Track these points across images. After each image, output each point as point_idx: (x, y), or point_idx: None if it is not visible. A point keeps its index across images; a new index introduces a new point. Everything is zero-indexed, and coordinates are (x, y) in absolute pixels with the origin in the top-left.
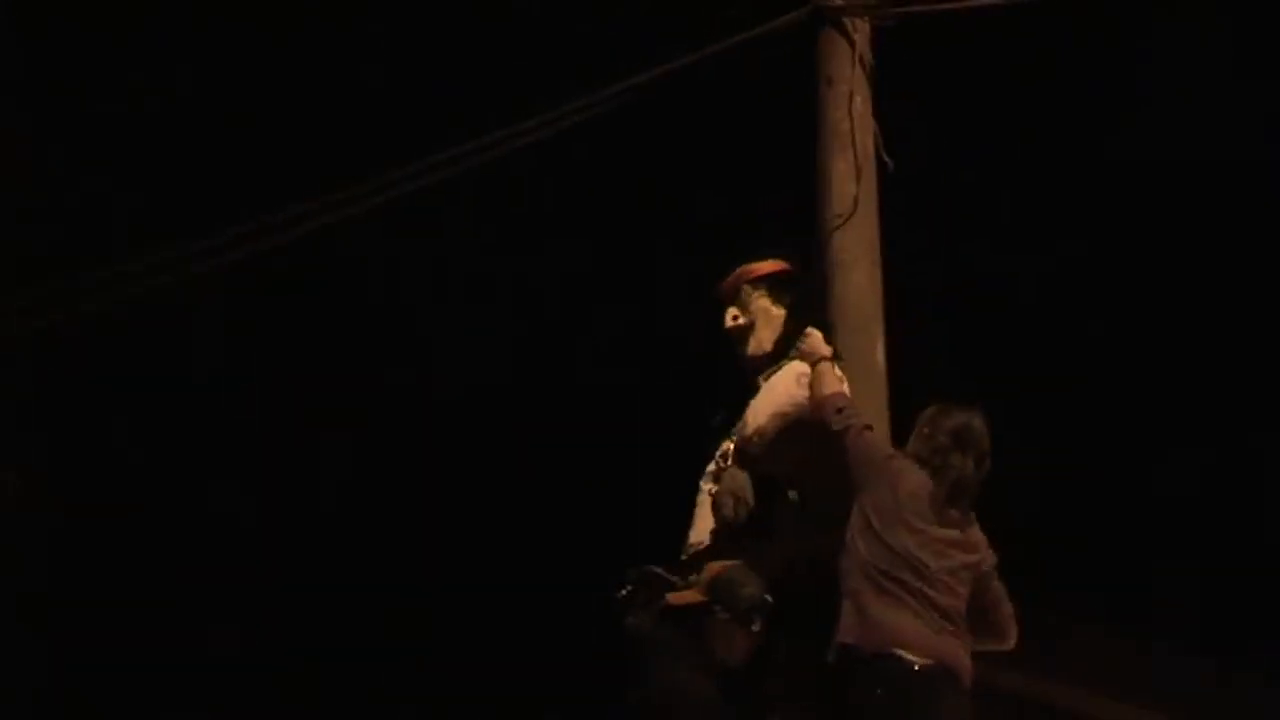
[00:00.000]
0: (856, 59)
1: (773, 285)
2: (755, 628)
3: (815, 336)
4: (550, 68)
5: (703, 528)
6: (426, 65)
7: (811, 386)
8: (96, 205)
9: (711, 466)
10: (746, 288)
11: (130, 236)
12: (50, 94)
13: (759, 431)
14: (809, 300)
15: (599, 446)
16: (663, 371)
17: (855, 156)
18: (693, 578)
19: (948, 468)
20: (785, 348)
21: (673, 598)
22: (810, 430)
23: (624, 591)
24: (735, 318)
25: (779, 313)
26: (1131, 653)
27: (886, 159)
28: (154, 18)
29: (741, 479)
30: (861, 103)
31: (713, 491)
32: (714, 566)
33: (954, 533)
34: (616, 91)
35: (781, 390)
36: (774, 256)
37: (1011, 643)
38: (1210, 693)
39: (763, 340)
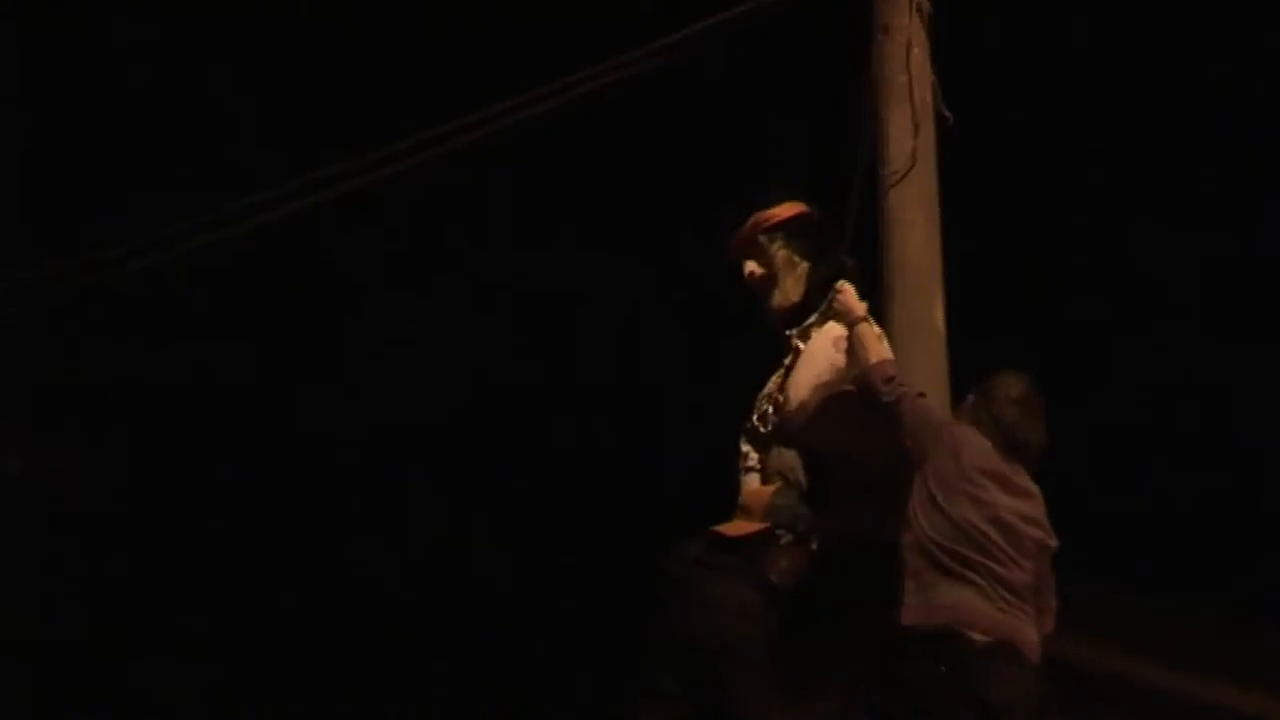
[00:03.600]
0: (914, 7)
1: (791, 232)
2: (813, 546)
3: (848, 293)
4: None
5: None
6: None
7: (851, 352)
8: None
9: (749, 423)
10: (763, 237)
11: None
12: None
13: (802, 406)
14: (832, 243)
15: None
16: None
17: (913, 110)
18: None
19: (1011, 428)
20: (815, 298)
21: (729, 528)
22: (855, 399)
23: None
24: (755, 270)
25: (802, 260)
26: (1239, 635)
27: (946, 112)
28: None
29: (789, 458)
30: (919, 53)
31: (751, 458)
32: (761, 493)
33: (1021, 504)
34: (662, 45)
35: (822, 359)
36: (787, 198)
37: (1047, 629)
38: None
39: (788, 291)
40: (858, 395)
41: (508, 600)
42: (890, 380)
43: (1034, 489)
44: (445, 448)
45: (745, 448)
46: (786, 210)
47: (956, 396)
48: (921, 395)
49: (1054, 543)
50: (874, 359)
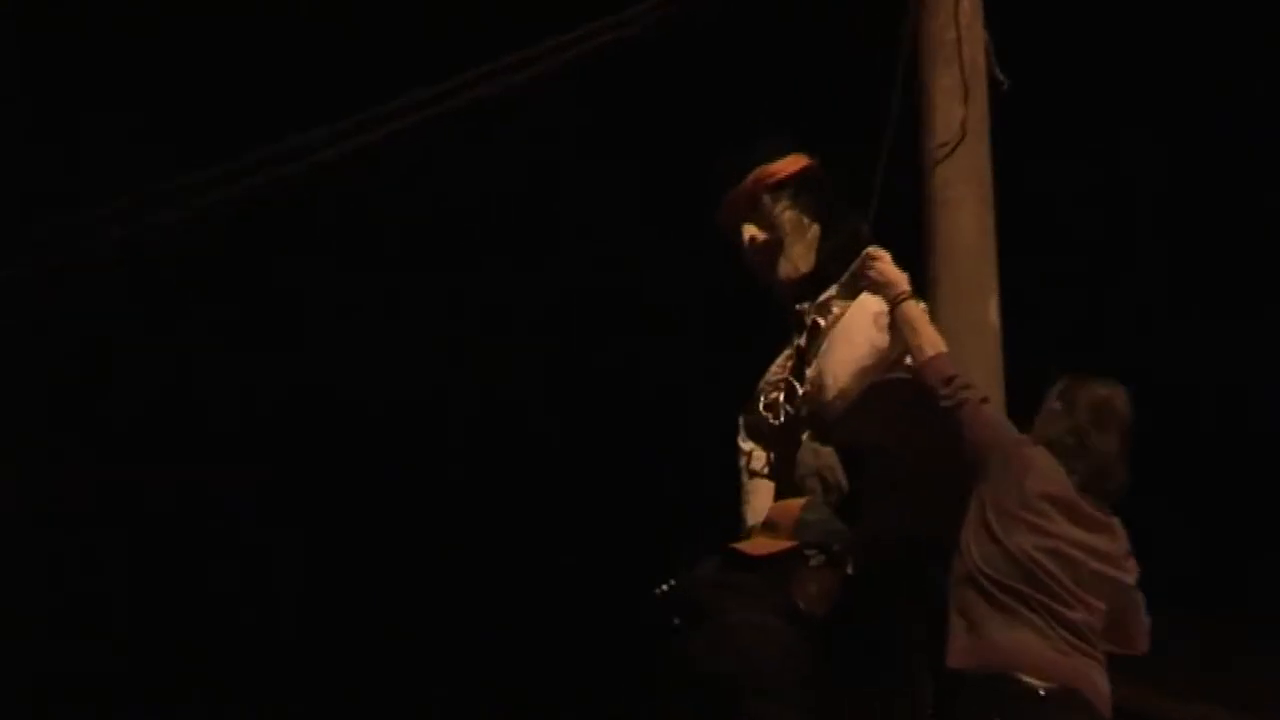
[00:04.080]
0: None
1: (800, 189)
2: (850, 570)
3: (883, 260)
4: None
5: (761, 504)
6: None
7: (895, 333)
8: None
9: (753, 415)
10: (766, 197)
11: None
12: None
13: (841, 394)
14: (845, 201)
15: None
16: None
17: (962, 73)
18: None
19: (1086, 451)
20: (830, 268)
21: (750, 546)
22: (904, 390)
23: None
24: (756, 234)
25: (812, 223)
26: None
27: (1000, 75)
28: None
29: (827, 455)
30: (970, 8)
31: (758, 457)
32: (789, 506)
33: (1091, 537)
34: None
35: (861, 339)
36: (789, 149)
37: (1141, 649)
38: None
39: (797, 259)
40: (909, 387)
41: (508, 600)
42: (951, 381)
43: (1110, 520)
44: (444, 447)
45: (748, 445)
46: (792, 164)
47: (1014, 406)
48: (985, 400)
49: (1130, 579)
50: (929, 349)
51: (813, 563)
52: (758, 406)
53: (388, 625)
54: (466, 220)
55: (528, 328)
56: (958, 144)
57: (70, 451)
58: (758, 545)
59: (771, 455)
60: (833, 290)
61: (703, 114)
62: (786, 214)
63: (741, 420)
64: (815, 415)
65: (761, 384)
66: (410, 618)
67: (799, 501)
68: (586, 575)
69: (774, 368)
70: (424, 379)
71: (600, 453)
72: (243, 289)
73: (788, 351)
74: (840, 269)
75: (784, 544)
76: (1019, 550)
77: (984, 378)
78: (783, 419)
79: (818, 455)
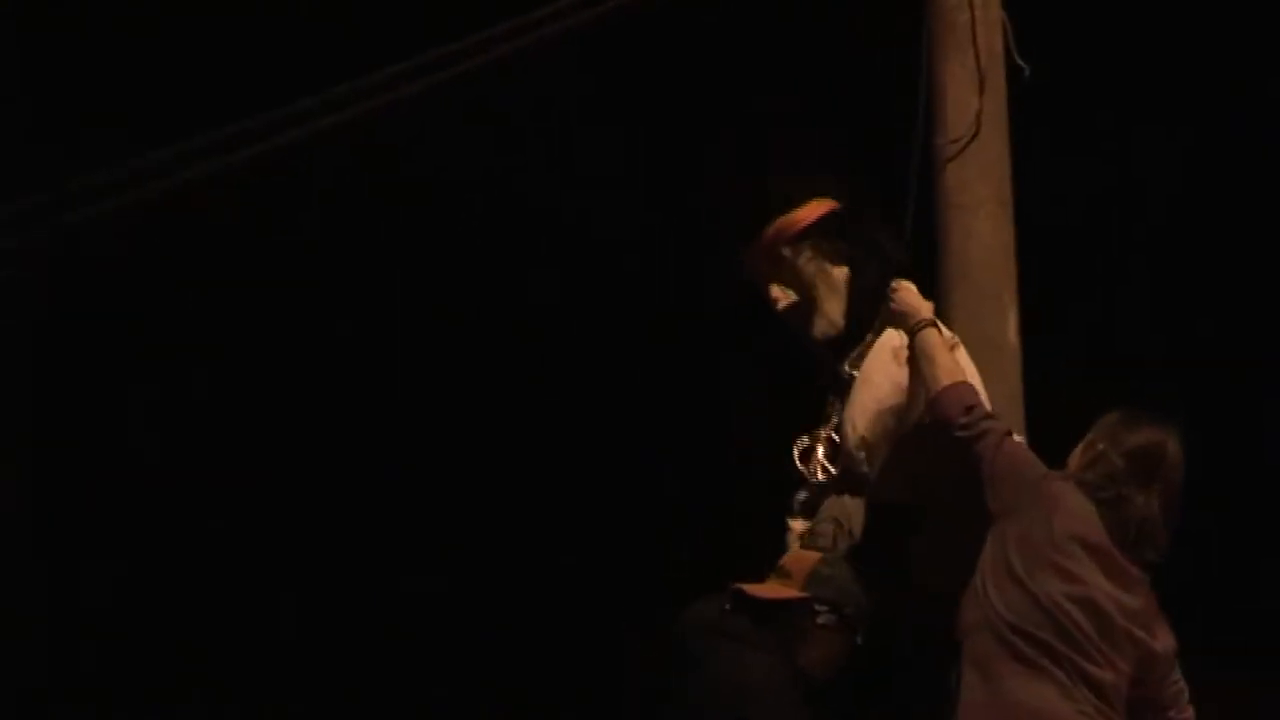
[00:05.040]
0: None
1: (821, 236)
2: (859, 640)
3: (906, 290)
4: None
5: None
6: None
7: (914, 363)
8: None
9: (802, 494)
10: (786, 251)
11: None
12: None
13: (863, 444)
14: (873, 240)
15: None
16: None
17: (977, 60)
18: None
19: (1122, 502)
20: (865, 313)
21: (758, 589)
22: (928, 428)
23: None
24: (783, 295)
25: (840, 271)
26: None
27: (1020, 62)
28: None
29: (848, 505)
30: None
31: (798, 527)
32: (805, 556)
33: (1123, 593)
34: None
35: (881, 379)
36: (807, 192)
37: None
38: None
39: (832, 315)
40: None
41: (508, 600)
42: (971, 410)
43: (1143, 578)
44: (444, 447)
45: (797, 524)
46: (811, 211)
47: (1034, 435)
48: (1010, 434)
49: (1161, 648)
50: (945, 378)
51: (820, 620)
52: (806, 481)
53: (388, 625)
54: (465, 215)
55: (527, 325)
56: (972, 140)
57: (70, 451)
58: (766, 589)
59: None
60: (869, 338)
61: (702, 96)
62: (810, 266)
63: (795, 498)
64: (844, 469)
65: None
66: (410, 618)
67: (816, 554)
68: (586, 575)
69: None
70: (424, 378)
71: (600, 452)
72: (241, 287)
73: (829, 415)
74: (874, 309)
75: (793, 593)
76: (1046, 597)
77: (1002, 403)
78: (823, 477)
79: (839, 505)
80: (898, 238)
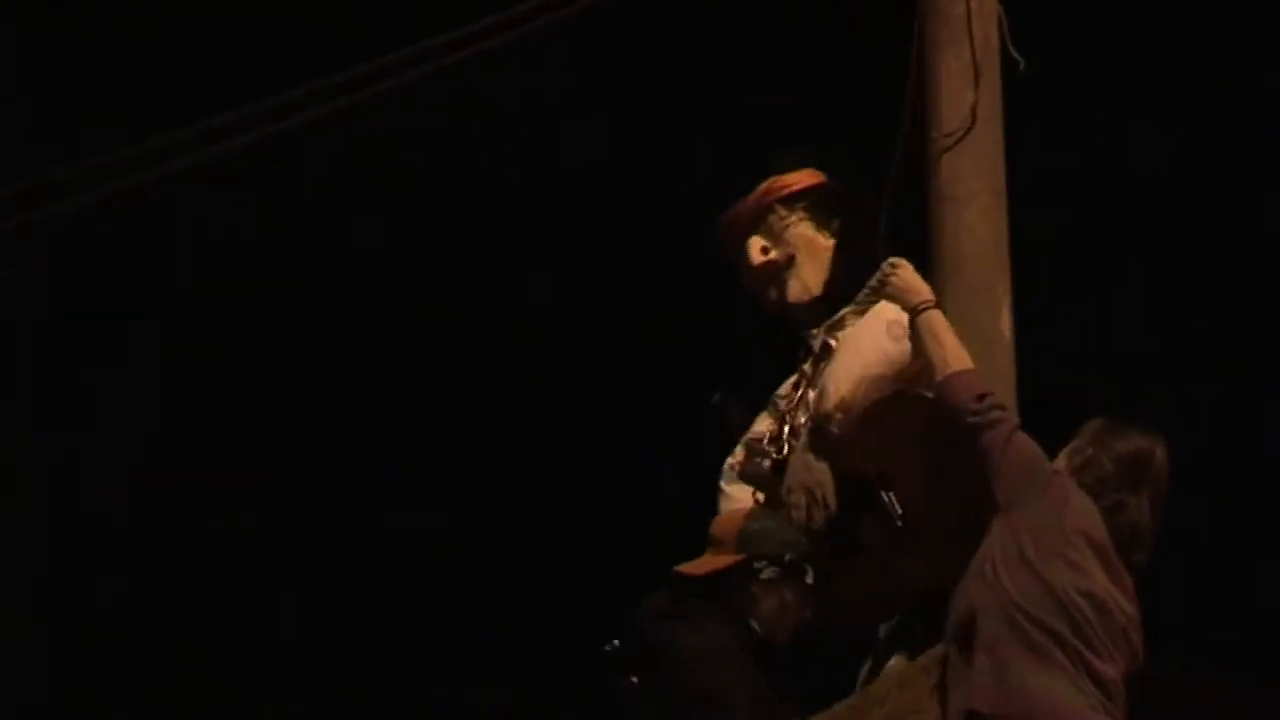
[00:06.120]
0: None
1: (816, 203)
2: (809, 580)
3: (905, 269)
4: None
5: None
6: None
7: (916, 345)
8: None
9: (733, 458)
10: (779, 209)
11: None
12: None
13: (842, 405)
14: (865, 223)
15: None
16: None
17: (972, 52)
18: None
19: (1119, 508)
20: (843, 289)
21: (691, 567)
22: (914, 405)
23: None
24: (765, 250)
25: (827, 241)
26: None
27: (1015, 54)
28: None
29: (820, 472)
30: None
31: (732, 489)
32: (731, 516)
33: (1119, 594)
34: None
35: (870, 346)
36: (803, 161)
37: None
38: None
39: (809, 280)
40: (914, 396)
41: (508, 600)
42: (983, 398)
43: (1130, 584)
44: (444, 447)
45: (732, 488)
46: (807, 177)
47: (1027, 428)
48: (1019, 428)
49: (1141, 655)
50: (954, 363)
51: (763, 576)
52: (758, 443)
53: (388, 625)
54: (460, 209)
55: (526, 324)
56: (966, 133)
57: (70, 451)
58: (700, 564)
59: (762, 498)
60: (848, 308)
61: (695, 89)
62: (800, 228)
63: (729, 462)
64: (816, 428)
65: (759, 418)
66: (410, 618)
67: (741, 510)
68: (586, 575)
69: (778, 397)
70: (422, 377)
71: (600, 452)
72: (230, 284)
73: (792, 380)
74: (855, 290)
75: (727, 559)
76: (1060, 587)
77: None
78: (784, 454)
79: (809, 469)
80: (884, 236)
